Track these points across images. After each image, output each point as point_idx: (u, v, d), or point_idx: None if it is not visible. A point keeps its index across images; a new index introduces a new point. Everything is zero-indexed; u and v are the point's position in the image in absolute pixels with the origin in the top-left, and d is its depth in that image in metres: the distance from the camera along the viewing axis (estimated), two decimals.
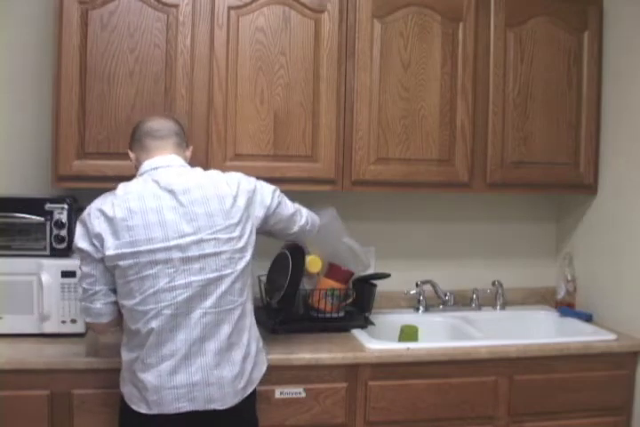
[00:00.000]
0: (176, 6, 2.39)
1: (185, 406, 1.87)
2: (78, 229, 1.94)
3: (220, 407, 1.90)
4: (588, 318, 2.78)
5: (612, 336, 2.55)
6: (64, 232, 2.35)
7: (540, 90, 2.69)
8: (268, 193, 2.08)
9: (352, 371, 2.29)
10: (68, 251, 2.37)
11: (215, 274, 1.90)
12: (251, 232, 2.00)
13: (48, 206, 2.35)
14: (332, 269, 2.61)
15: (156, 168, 1.99)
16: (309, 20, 2.49)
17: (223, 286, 1.91)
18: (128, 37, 2.36)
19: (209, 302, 1.89)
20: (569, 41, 2.72)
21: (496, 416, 2.41)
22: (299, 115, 2.49)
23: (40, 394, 2.12)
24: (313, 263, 2.58)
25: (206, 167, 2.40)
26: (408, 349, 2.35)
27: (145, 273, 1.87)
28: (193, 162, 2.28)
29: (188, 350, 1.88)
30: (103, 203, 1.93)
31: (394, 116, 2.57)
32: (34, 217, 2.34)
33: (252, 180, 2.07)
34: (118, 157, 2.35)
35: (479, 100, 2.64)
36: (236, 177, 2.03)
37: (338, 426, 2.29)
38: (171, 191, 1.92)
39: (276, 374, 2.21)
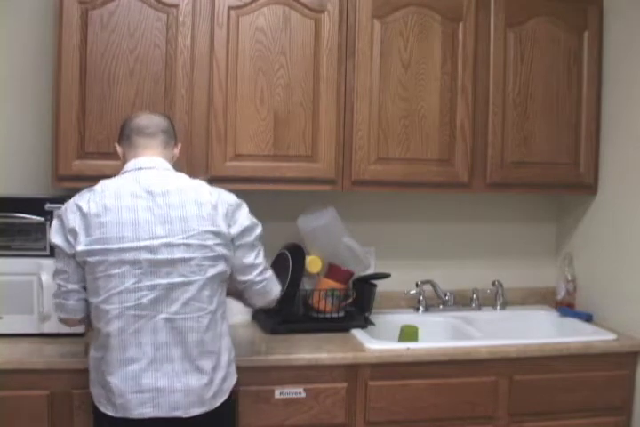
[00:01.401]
0: (176, 6, 2.39)
1: (149, 412, 1.84)
2: (54, 224, 1.93)
3: (184, 415, 1.86)
4: (588, 318, 2.78)
5: (611, 336, 2.55)
6: None
7: (539, 90, 2.69)
8: (248, 218, 2.00)
9: (352, 371, 2.29)
10: None
11: (181, 279, 1.87)
12: (226, 246, 1.94)
13: (48, 206, 2.35)
14: (331, 270, 2.62)
15: (140, 168, 1.97)
16: (309, 20, 2.49)
17: (190, 293, 1.88)
18: (128, 37, 2.36)
19: (174, 307, 1.87)
20: (569, 41, 2.72)
21: (496, 416, 2.40)
22: (299, 115, 2.49)
23: (40, 394, 2.12)
24: (313, 263, 2.58)
25: (206, 167, 2.41)
26: (408, 349, 2.35)
27: (112, 272, 1.85)
28: (193, 162, 2.29)
29: (154, 354, 1.85)
30: (80, 198, 1.93)
31: (394, 115, 2.57)
32: (34, 217, 2.34)
33: (239, 200, 2.02)
34: (118, 157, 2.34)
35: (479, 100, 2.64)
36: (219, 190, 2.00)
37: (338, 426, 2.29)
38: (149, 192, 1.90)
39: (276, 374, 2.21)
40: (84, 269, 1.90)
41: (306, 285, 2.60)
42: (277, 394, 2.23)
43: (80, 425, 2.13)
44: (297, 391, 2.24)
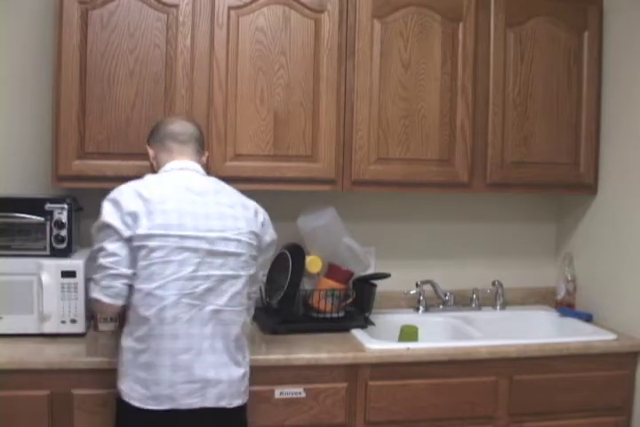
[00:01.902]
0: (176, 6, 2.39)
1: (197, 402, 1.88)
2: (108, 208, 1.91)
3: (228, 406, 1.92)
4: (588, 318, 2.78)
5: (611, 336, 2.55)
6: (64, 232, 2.35)
7: (539, 90, 2.69)
8: (275, 234, 2.13)
9: (352, 371, 2.29)
10: (68, 251, 2.37)
11: (232, 272, 1.94)
12: (259, 250, 2.05)
13: (48, 206, 2.35)
14: (331, 270, 2.61)
15: (184, 169, 2.05)
16: (309, 20, 2.49)
17: (237, 286, 1.95)
18: (128, 37, 2.36)
19: (222, 299, 1.92)
20: (569, 41, 2.72)
21: (496, 416, 2.40)
22: (299, 115, 2.49)
23: (40, 394, 2.11)
24: (313, 263, 2.58)
25: (206, 167, 2.41)
26: (408, 349, 2.35)
27: (171, 258, 1.88)
28: None
29: (201, 345, 1.89)
30: (137, 186, 1.96)
31: (394, 115, 2.57)
32: (34, 217, 2.34)
33: None
34: (118, 157, 2.35)
35: (479, 100, 2.64)
36: None
37: (338, 426, 2.29)
38: (203, 190, 1.99)
39: (275, 374, 2.21)
40: (134, 256, 1.89)
41: (306, 285, 2.60)
42: (277, 394, 2.22)
43: (80, 425, 2.14)
44: (297, 391, 2.24)
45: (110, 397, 2.09)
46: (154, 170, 2.15)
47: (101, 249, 1.91)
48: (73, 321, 2.33)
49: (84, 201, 2.53)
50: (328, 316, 2.57)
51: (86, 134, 2.36)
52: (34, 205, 2.34)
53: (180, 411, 1.87)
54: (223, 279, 1.92)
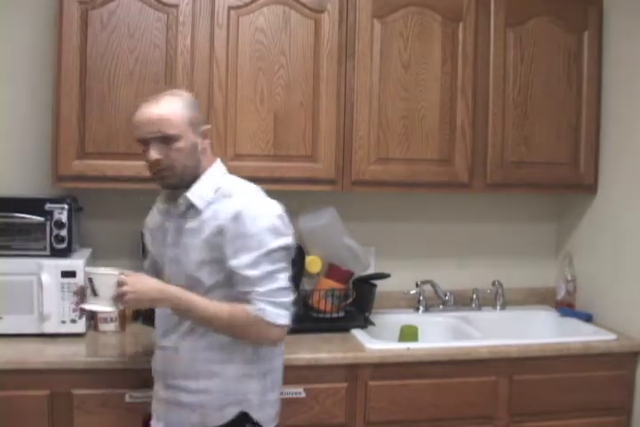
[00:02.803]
0: (176, 6, 2.39)
1: None
2: (283, 226, 1.77)
3: None
4: (587, 318, 2.78)
5: (611, 336, 2.55)
6: (64, 232, 2.35)
7: (539, 90, 2.69)
8: None
9: (352, 371, 2.29)
10: (68, 251, 2.37)
11: None
12: None
13: (48, 206, 2.35)
14: (331, 270, 2.61)
15: None
16: (309, 20, 2.49)
17: None
18: (128, 38, 2.36)
19: None
20: (569, 41, 2.72)
21: (496, 416, 2.40)
22: (299, 115, 2.49)
23: (40, 394, 2.11)
24: (313, 263, 2.58)
25: None
26: (408, 349, 2.35)
27: None
28: None
29: None
30: (270, 200, 1.84)
31: (394, 116, 2.57)
32: (34, 217, 2.34)
33: None
34: (118, 157, 2.35)
35: (479, 100, 2.64)
36: None
37: (338, 426, 2.29)
38: None
39: None
40: None
41: (306, 285, 2.60)
42: None
43: (80, 425, 2.13)
44: (297, 391, 2.24)
45: (110, 397, 2.11)
46: (193, 161, 1.82)
47: (286, 270, 1.78)
48: (73, 321, 2.33)
49: (84, 201, 2.53)
50: (328, 316, 2.58)
51: (86, 134, 2.36)
52: (34, 205, 2.34)
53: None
54: None
